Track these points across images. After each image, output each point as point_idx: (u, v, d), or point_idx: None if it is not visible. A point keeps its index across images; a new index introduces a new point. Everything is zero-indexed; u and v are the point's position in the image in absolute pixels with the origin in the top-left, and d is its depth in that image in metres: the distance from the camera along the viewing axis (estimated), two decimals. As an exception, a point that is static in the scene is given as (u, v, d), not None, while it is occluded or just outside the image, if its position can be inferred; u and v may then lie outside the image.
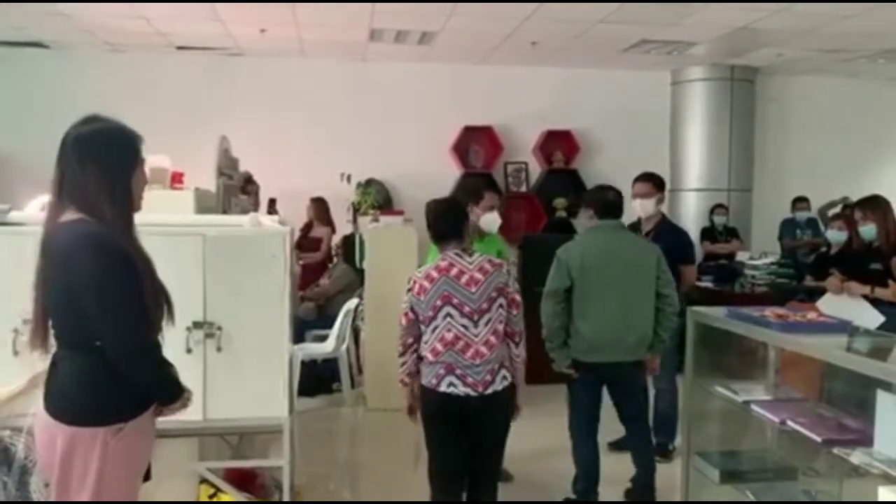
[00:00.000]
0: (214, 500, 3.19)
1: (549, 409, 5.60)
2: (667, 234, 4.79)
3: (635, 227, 4.85)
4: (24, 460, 2.82)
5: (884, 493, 1.76)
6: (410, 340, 3.13)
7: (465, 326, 3.05)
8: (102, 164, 2.16)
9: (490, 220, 4.47)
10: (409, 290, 3.15)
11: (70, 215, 2.15)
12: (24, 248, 2.87)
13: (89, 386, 2.17)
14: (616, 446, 4.75)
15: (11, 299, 2.85)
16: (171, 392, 2.28)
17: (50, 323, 2.24)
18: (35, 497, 2.84)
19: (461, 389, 3.02)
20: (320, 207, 7.46)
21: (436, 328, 3.07)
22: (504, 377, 3.09)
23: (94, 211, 2.14)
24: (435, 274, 3.11)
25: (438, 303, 3.07)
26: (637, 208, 4.84)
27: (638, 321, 3.84)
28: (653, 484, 4.04)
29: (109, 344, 2.12)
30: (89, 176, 2.14)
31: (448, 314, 3.06)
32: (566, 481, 4.27)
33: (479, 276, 3.11)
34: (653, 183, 4.80)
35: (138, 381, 2.19)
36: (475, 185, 4.77)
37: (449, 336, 3.05)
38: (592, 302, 3.78)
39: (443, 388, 3.03)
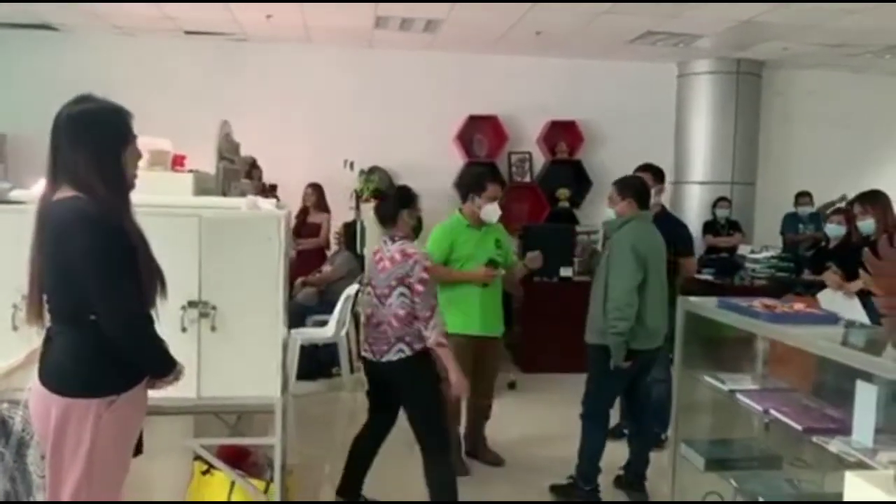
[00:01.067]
0: (208, 476, 3.26)
1: (544, 397, 5.65)
2: (666, 226, 4.80)
3: None
4: (21, 433, 2.89)
5: (850, 478, 1.79)
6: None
7: (377, 306, 3.55)
8: (92, 143, 2.22)
9: (489, 211, 4.52)
10: None
11: (64, 192, 2.21)
12: (24, 226, 2.92)
13: (83, 359, 2.23)
14: (612, 434, 4.80)
15: (11, 275, 2.91)
16: (162, 365, 2.34)
17: (45, 298, 2.30)
18: (32, 469, 2.91)
19: (368, 353, 3.60)
20: (318, 193, 7.50)
21: (365, 303, 3.67)
22: (400, 350, 3.48)
23: (86, 189, 2.19)
24: (372, 256, 3.69)
25: (366, 281, 3.69)
26: None
27: (667, 308, 3.98)
28: (644, 470, 4.12)
29: (103, 316, 2.17)
30: (80, 155, 2.20)
31: (369, 292, 3.63)
32: (559, 466, 4.33)
33: (388, 264, 3.53)
34: (651, 173, 4.82)
35: (130, 353, 2.25)
36: (479, 175, 4.80)
37: (368, 311, 3.63)
38: (651, 291, 3.91)
39: (363, 352, 3.68)
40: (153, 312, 2.31)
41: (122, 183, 2.27)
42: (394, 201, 3.67)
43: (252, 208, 3.22)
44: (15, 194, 3.22)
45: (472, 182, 4.66)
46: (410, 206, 3.66)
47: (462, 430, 4.70)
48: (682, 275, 4.89)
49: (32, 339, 2.91)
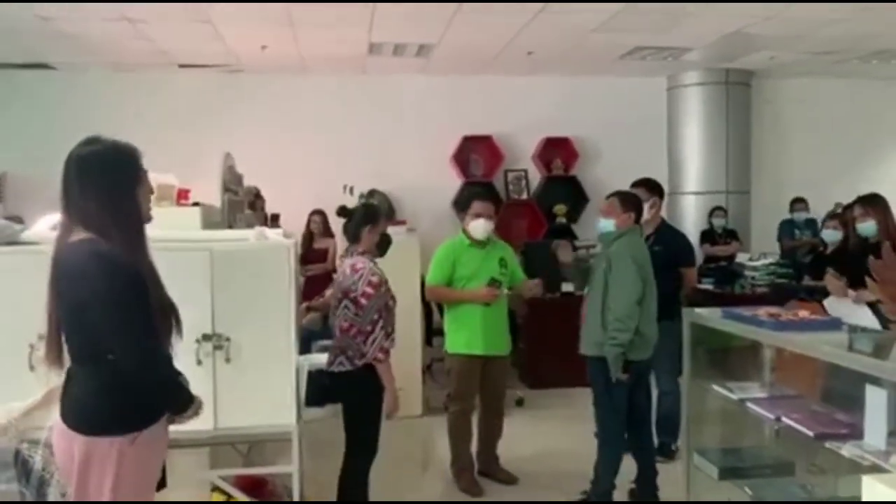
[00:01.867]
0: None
1: (553, 413, 5.66)
2: (667, 238, 4.90)
3: None
4: (41, 472, 2.90)
5: (867, 482, 1.82)
6: None
7: (334, 315, 3.64)
8: (103, 185, 2.22)
9: (476, 228, 4.59)
10: None
11: (78, 234, 2.23)
12: (39, 266, 2.98)
13: (103, 397, 2.25)
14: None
15: (27, 315, 2.95)
16: (180, 401, 2.35)
17: (63, 339, 2.32)
18: (53, 508, 2.93)
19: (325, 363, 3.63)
20: (324, 219, 7.57)
21: None
22: (341, 363, 3.55)
23: (99, 230, 2.20)
24: None
25: None
26: None
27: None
28: (655, 481, 4.14)
29: (120, 357, 2.20)
30: (90, 198, 2.20)
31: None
32: (572, 482, 4.35)
33: (339, 277, 3.66)
34: (646, 187, 4.88)
35: (148, 391, 2.27)
36: (467, 195, 4.93)
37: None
38: (647, 302, 3.96)
39: None
40: (172, 349, 2.33)
41: (136, 222, 2.28)
42: (357, 219, 3.73)
43: (260, 239, 3.27)
44: (27, 234, 3.26)
45: (460, 201, 4.76)
46: (373, 223, 3.73)
47: (474, 449, 4.71)
48: (685, 286, 4.95)
49: (50, 378, 2.94)
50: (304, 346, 6.20)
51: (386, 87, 8.43)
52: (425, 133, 8.41)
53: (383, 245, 3.83)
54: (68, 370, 2.33)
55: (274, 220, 6.84)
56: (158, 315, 2.27)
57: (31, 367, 2.96)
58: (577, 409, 5.27)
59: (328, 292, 6.99)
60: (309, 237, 7.54)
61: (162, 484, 2.46)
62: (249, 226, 4.32)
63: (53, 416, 2.88)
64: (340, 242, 7.63)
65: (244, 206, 4.79)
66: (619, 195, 4.19)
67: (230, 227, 3.96)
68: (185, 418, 2.40)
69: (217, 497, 3.28)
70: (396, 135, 8.40)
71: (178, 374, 2.35)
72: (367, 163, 8.22)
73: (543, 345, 6.73)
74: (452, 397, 4.74)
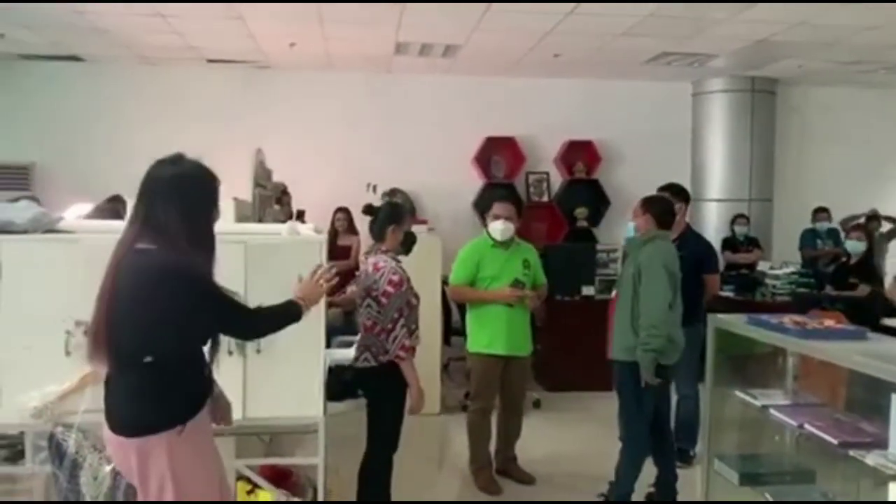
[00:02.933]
0: (252, 496, 3.33)
1: (569, 416, 5.68)
2: (691, 243, 4.93)
3: None
4: (74, 455, 2.97)
5: (895, 489, 1.85)
6: None
7: (359, 313, 3.71)
8: (185, 205, 2.33)
9: (494, 229, 4.65)
10: None
11: (146, 243, 2.32)
12: (75, 255, 3.07)
13: (144, 400, 2.35)
14: None
15: (64, 302, 3.03)
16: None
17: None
18: (85, 490, 2.99)
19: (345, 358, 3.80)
20: (348, 217, 7.64)
21: None
22: (365, 359, 3.64)
23: (173, 244, 2.29)
24: None
25: None
26: None
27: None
28: (675, 486, 4.15)
29: (166, 358, 2.32)
30: (172, 214, 2.30)
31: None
32: (588, 484, 4.38)
33: (362, 275, 3.73)
34: (672, 192, 4.90)
35: (188, 388, 2.41)
36: (488, 197, 5.00)
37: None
38: (675, 307, 3.99)
39: None
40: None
41: (209, 239, 2.41)
42: (381, 218, 3.79)
43: (292, 234, 3.32)
44: (64, 224, 3.33)
45: (480, 202, 4.80)
46: (397, 222, 3.77)
47: (492, 448, 4.75)
48: (707, 292, 4.96)
49: (85, 363, 3.04)
50: (325, 342, 6.30)
51: (411, 86, 8.48)
52: (448, 133, 8.46)
53: (408, 244, 3.87)
54: (106, 380, 2.42)
55: (300, 217, 6.91)
56: (215, 328, 2.44)
57: (68, 353, 3.02)
58: (593, 413, 5.30)
59: (350, 289, 7.13)
60: (333, 234, 7.60)
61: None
62: (277, 221, 4.38)
63: (87, 401, 2.98)
64: (365, 240, 7.72)
65: (272, 201, 4.85)
66: (645, 198, 4.19)
67: (260, 221, 4.02)
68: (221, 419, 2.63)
69: (242, 486, 3.33)
70: (420, 134, 8.45)
71: (208, 369, 2.48)
72: (390, 162, 8.28)
73: (561, 348, 6.75)
74: (472, 396, 4.78)
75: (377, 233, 3.79)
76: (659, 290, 3.89)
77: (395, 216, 3.80)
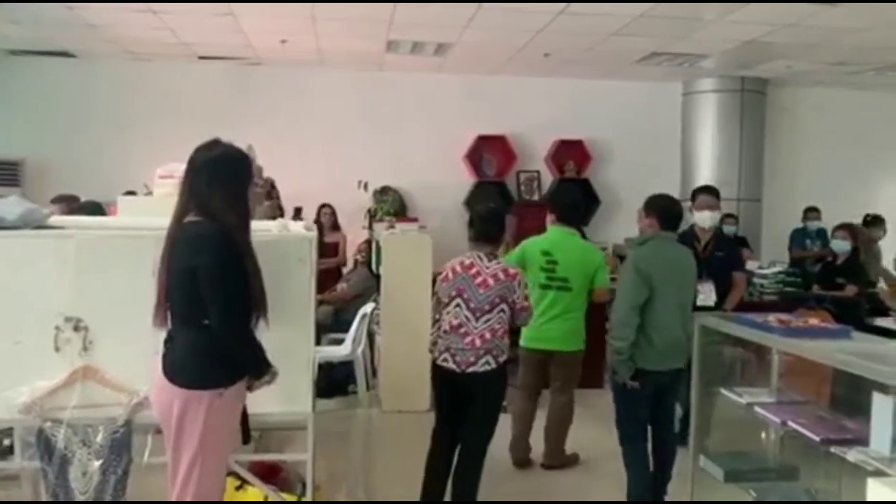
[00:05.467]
0: (241, 492, 3.35)
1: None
2: (724, 245, 5.20)
3: (686, 236, 4.88)
4: (63, 450, 2.99)
5: (873, 485, 1.89)
6: (437, 317, 3.83)
7: (467, 318, 3.67)
8: (227, 183, 2.67)
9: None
10: (441, 276, 3.86)
11: (192, 218, 2.64)
12: (65, 251, 3.07)
13: (198, 357, 2.64)
14: None
15: (53, 298, 3.03)
16: (258, 367, 2.73)
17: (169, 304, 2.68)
18: (74, 486, 3.01)
19: (450, 364, 3.69)
20: (333, 213, 7.65)
21: (448, 312, 3.74)
22: (487, 362, 3.64)
23: (217, 217, 2.62)
24: (458, 268, 3.77)
25: (453, 293, 3.73)
26: (702, 220, 5.05)
27: (686, 329, 3.84)
28: (666, 486, 4.12)
29: (213, 322, 2.58)
30: (216, 191, 2.64)
31: (458, 304, 3.70)
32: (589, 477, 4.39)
33: (490, 281, 3.68)
34: (716, 195, 5.08)
35: (234, 355, 2.66)
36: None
37: (455, 322, 3.70)
38: (662, 312, 3.78)
39: (439, 360, 3.75)
40: (263, 324, 2.72)
41: (246, 212, 2.72)
42: (500, 222, 3.89)
43: (283, 230, 3.33)
44: (54, 219, 3.33)
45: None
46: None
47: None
48: (735, 292, 5.05)
49: (74, 359, 3.05)
50: (315, 339, 6.31)
51: (402, 84, 8.50)
52: (439, 131, 8.48)
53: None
54: (169, 332, 2.70)
55: (297, 214, 6.94)
56: (256, 293, 2.67)
57: (57, 349, 3.02)
58: (589, 411, 5.30)
59: (342, 286, 7.15)
60: (319, 230, 7.61)
61: (247, 439, 2.92)
62: (267, 217, 4.39)
63: (76, 397, 3.00)
64: (350, 237, 7.75)
65: (263, 197, 4.86)
66: (646, 199, 4.08)
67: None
68: (261, 383, 2.77)
69: (232, 481, 3.34)
70: (410, 132, 8.47)
71: (259, 345, 2.71)
72: (380, 159, 8.30)
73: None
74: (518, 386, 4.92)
75: (496, 237, 3.83)
76: (625, 291, 3.82)
77: (503, 222, 3.93)
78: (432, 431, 3.88)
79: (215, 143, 2.73)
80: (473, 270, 3.70)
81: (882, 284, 6.85)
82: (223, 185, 2.65)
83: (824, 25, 6.16)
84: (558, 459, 4.82)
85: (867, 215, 7.96)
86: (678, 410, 4.32)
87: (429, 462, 3.83)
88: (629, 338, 3.73)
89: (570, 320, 4.68)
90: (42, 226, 3.21)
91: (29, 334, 3.02)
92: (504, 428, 4.35)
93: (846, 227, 6.08)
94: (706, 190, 5.23)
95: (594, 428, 5.08)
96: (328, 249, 7.51)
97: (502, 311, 3.66)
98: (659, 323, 3.78)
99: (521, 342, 4.75)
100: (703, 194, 5.16)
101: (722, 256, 5.00)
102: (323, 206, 7.70)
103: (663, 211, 3.95)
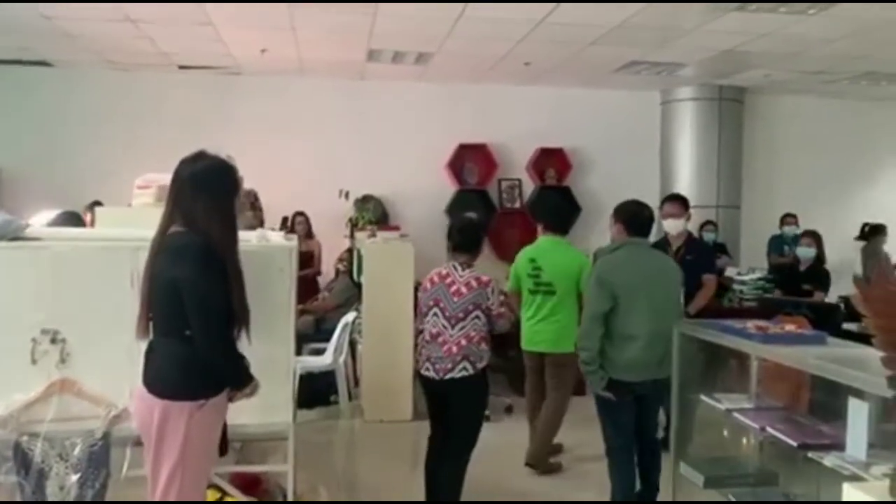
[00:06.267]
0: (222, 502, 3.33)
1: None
2: (694, 248, 5.34)
3: (660, 244, 5.13)
4: (41, 464, 2.96)
5: (848, 489, 1.91)
6: (420, 328, 3.97)
7: (444, 326, 3.78)
8: (211, 195, 2.66)
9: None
10: (421, 287, 4.00)
11: (177, 228, 2.64)
12: (42, 262, 3.05)
13: (179, 368, 2.62)
14: None
15: (30, 310, 3.00)
16: (240, 379, 2.73)
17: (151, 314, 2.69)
18: (51, 500, 2.97)
19: (430, 372, 3.82)
20: (306, 221, 7.63)
21: (427, 321, 3.87)
22: (464, 368, 3.74)
23: (202, 229, 2.61)
24: (436, 279, 3.90)
25: (431, 303, 3.86)
26: (669, 227, 5.29)
27: (667, 338, 3.69)
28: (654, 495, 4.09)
29: (195, 333, 2.57)
30: (200, 203, 2.63)
31: (435, 313, 3.83)
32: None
33: (464, 289, 3.79)
34: (681, 203, 5.24)
35: (216, 366, 2.65)
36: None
37: (434, 331, 3.82)
38: (633, 320, 3.72)
39: (422, 370, 3.89)
40: (245, 337, 2.72)
41: (232, 224, 2.72)
42: (479, 233, 4.06)
43: (262, 241, 3.32)
44: (30, 231, 3.29)
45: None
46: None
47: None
48: (703, 294, 5.15)
49: (51, 372, 3.02)
50: (296, 349, 6.29)
51: (383, 93, 8.50)
52: (421, 140, 8.49)
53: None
54: (150, 342, 2.70)
55: (284, 224, 6.92)
56: (237, 305, 2.66)
57: (34, 361, 3.00)
58: (568, 417, 5.31)
59: (324, 295, 7.12)
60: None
61: (223, 450, 2.86)
62: (249, 227, 4.37)
63: (53, 410, 2.97)
64: (331, 246, 7.73)
65: (245, 208, 4.83)
66: (615, 207, 4.10)
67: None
68: (242, 395, 2.77)
69: (212, 493, 3.32)
70: (392, 141, 8.47)
71: (241, 357, 2.71)
72: (362, 168, 8.29)
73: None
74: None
75: (472, 247, 3.95)
76: (589, 301, 3.83)
77: (483, 231, 4.17)
78: (428, 438, 4.03)
79: (200, 156, 2.72)
80: (449, 280, 3.84)
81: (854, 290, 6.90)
82: (208, 197, 2.64)
83: (799, 35, 6.24)
84: (540, 464, 4.86)
85: (865, 224, 8.03)
86: (661, 418, 4.31)
87: (425, 467, 3.98)
88: (593, 347, 3.71)
89: (557, 323, 4.84)
90: (18, 237, 3.18)
91: (5, 347, 2.99)
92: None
93: (810, 235, 6.21)
94: (670, 198, 5.49)
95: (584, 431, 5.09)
96: (302, 258, 7.47)
97: (477, 317, 3.77)
98: (629, 332, 3.72)
99: (521, 344, 5.06)
100: (667, 203, 5.44)
101: (691, 260, 5.10)
102: (297, 214, 7.68)
103: (630, 217, 3.95)
